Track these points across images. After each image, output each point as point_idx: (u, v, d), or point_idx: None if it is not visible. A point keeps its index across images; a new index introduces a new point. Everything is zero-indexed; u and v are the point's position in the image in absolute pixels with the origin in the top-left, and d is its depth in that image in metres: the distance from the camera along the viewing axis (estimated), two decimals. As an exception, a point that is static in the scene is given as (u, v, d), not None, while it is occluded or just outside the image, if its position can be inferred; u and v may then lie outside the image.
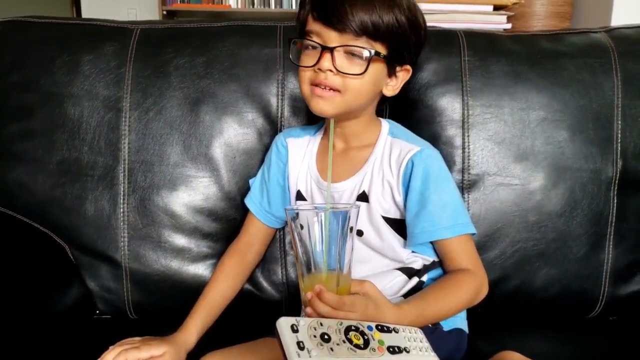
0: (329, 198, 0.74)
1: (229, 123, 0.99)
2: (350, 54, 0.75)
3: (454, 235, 0.80)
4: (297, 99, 1.00)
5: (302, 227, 0.65)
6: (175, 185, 0.98)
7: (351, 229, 0.66)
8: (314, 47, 0.76)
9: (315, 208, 0.69)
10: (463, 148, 0.97)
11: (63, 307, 0.95)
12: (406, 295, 0.82)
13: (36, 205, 0.98)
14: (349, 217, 0.65)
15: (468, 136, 0.97)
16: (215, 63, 0.99)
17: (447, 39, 1.01)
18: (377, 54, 0.75)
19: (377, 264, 0.84)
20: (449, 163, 0.96)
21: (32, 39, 1.01)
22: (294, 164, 0.91)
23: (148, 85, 0.98)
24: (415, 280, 0.83)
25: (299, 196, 0.90)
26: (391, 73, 0.80)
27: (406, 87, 0.98)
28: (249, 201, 0.96)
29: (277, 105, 1.00)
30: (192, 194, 0.98)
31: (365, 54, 0.75)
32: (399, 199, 0.81)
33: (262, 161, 0.98)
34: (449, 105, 0.97)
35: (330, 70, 0.75)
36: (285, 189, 0.93)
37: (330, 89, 0.76)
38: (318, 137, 0.92)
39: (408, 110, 0.99)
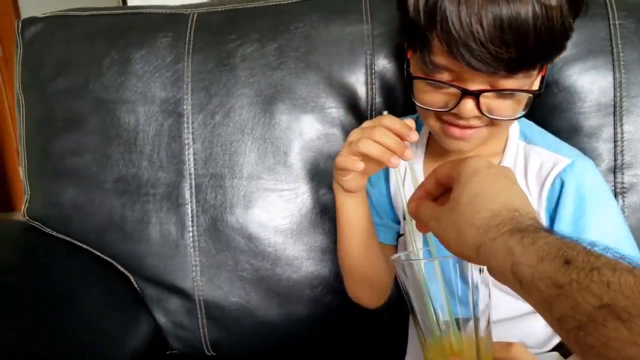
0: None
1: (309, 122, 0.82)
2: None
3: None
4: (391, 87, 0.82)
5: (414, 279, 0.49)
6: (250, 202, 0.83)
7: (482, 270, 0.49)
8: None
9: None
10: (615, 141, 0.76)
11: (132, 347, 0.83)
12: (561, 347, 0.64)
13: (93, 230, 0.86)
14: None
15: (621, 125, 0.76)
16: (289, 49, 0.82)
17: (587, -3, 0.79)
18: (540, 86, 0.58)
19: (504, 309, 0.64)
20: (595, 161, 0.74)
21: (75, 37, 0.86)
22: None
23: (212, 83, 0.83)
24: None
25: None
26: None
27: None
28: None
29: (367, 96, 0.82)
30: (271, 211, 0.83)
31: (525, 96, 0.56)
32: None
33: (352, 167, 0.80)
34: (594, 85, 0.76)
35: (476, 117, 0.57)
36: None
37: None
38: (424, 136, 0.72)
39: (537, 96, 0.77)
